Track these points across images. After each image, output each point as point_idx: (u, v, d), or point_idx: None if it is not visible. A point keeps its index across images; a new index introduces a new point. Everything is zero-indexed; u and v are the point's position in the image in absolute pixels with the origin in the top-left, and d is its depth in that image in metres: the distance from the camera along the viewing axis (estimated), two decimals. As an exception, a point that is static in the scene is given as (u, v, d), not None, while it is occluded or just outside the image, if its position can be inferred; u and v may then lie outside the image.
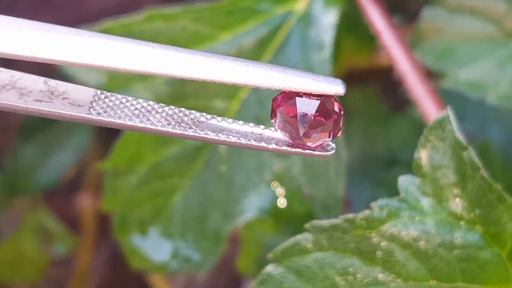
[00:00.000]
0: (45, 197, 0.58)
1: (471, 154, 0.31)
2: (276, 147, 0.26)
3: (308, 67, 0.40)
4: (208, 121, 0.26)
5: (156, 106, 0.26)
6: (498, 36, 0.42)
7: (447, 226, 0.31)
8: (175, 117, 0.26)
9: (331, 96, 0.25)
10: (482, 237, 0.31)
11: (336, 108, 0.26)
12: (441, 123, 0.32)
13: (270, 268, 0.32)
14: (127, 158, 0.41)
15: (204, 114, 0.26)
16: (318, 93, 0.25)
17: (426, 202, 0.32)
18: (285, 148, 0.26)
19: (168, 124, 0.26)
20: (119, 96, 0.26)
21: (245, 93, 0.40)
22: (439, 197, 0.32)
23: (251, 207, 0.40)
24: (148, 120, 0.26)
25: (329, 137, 0.26)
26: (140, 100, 0.26)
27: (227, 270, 0.49)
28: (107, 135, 0.49)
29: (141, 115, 0.26)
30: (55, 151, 0.55)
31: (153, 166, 0.41)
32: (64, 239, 0.58)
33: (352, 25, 0.47)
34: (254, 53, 0.40)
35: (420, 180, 0.32)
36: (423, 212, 0.32)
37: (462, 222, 0.31)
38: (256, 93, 0.40)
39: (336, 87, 0.25)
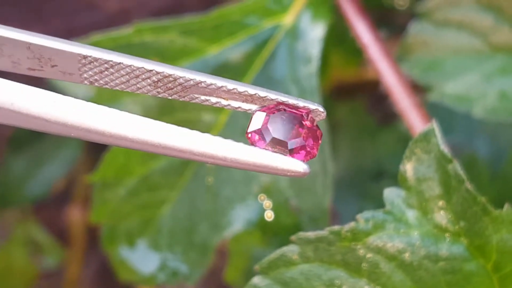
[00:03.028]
0: (34, 209, 0.58)
1: (456, 166, 0.31)
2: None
3: (295, 80, 0.40)
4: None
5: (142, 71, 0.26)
6: (484, 50, 0.42)
7: (432, 238, 0.32)
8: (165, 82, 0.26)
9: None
10: (467, 249, 0.32)
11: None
12: (426, 136, 0.32)
13: (256, 280, 0.32)
14: (115, 170, 0.41)
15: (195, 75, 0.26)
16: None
17: (411, 214, 0.32)
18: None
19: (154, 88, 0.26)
20: (104, 59, 0.26)
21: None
22: (424, 209, 0.32)
23: (239, 219, 0.41)
24: (137, 87, 0.26)
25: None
26: (124, 64, 0.26)
27: (215, 281, 0.49)
28: (96, 148, 0.49)
29: (131, 81, 0.26)
30: (45, 163, 0.55)
31: (142, 178, 0.41)
32: (54, 251, 0.58)
33: (340, 39, 0.47)
34: (242, 67, 0.40)
35: (406, 192, 0.32)
36: (408, 224, 0.32)
37: (447, 234, 0.32)
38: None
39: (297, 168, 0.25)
